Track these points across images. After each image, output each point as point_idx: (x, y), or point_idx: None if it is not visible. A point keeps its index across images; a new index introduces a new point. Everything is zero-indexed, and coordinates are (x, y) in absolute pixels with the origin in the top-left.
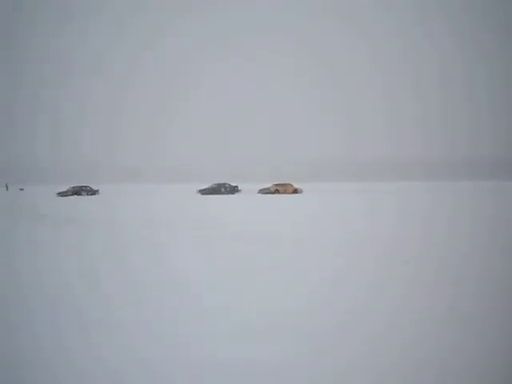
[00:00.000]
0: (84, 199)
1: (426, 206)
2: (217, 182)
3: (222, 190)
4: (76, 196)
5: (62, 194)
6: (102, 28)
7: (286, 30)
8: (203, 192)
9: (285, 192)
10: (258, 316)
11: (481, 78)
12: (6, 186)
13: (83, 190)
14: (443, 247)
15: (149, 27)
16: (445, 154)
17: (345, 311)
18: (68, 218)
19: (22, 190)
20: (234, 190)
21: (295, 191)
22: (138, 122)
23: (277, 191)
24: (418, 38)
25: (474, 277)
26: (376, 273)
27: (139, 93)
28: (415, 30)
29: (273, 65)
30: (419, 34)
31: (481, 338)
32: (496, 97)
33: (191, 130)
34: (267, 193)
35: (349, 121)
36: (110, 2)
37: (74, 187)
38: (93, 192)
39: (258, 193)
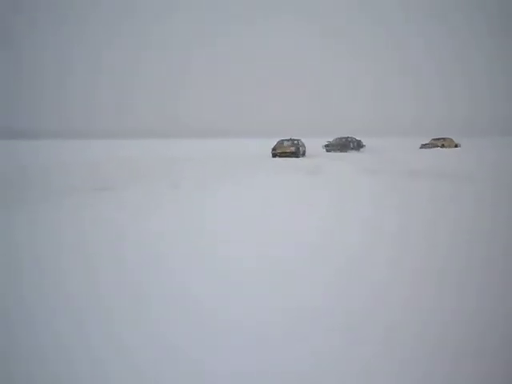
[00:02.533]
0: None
1: None
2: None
3: (351, 145)
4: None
5: (329, 149)
6: None
7: None
8: (329, 148)
9: (449, 146)
10: None
11: None
12: None
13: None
14: None
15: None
16: None
17: None
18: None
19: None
20: (359, 144)
21: (456, 146)
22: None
23: (443, 145)
24: None
25: None
26: None
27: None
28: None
29: None
30: None
31: None
32: None
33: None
34: (434, 146)
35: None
36: None
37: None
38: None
39: (421, 148)
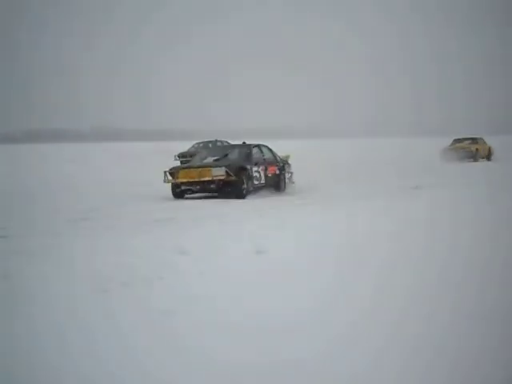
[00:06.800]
0: None
1: None
2: None
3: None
4: None
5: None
6: None
7: None
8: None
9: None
10: None
11: None
12: None
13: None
14: None
15: None
16: None
17: None
18: None
19: None
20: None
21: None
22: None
23: (476, 150)
24: None
25: None
26: None
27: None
28: None
29: None
30: None
31: None
32: None
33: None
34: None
35: None
36: None
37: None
38: None
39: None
